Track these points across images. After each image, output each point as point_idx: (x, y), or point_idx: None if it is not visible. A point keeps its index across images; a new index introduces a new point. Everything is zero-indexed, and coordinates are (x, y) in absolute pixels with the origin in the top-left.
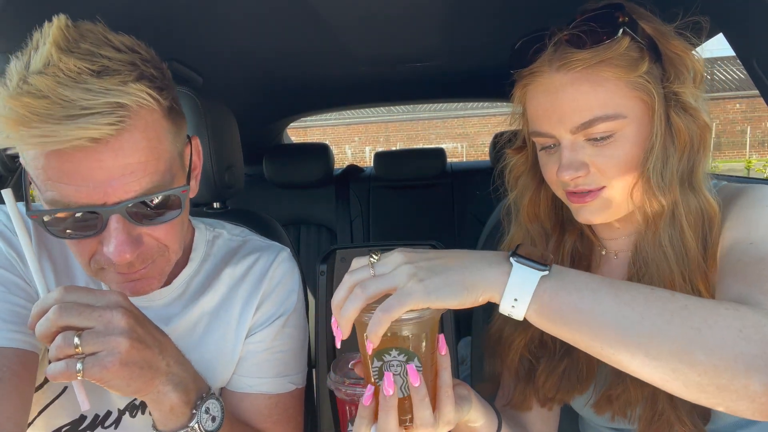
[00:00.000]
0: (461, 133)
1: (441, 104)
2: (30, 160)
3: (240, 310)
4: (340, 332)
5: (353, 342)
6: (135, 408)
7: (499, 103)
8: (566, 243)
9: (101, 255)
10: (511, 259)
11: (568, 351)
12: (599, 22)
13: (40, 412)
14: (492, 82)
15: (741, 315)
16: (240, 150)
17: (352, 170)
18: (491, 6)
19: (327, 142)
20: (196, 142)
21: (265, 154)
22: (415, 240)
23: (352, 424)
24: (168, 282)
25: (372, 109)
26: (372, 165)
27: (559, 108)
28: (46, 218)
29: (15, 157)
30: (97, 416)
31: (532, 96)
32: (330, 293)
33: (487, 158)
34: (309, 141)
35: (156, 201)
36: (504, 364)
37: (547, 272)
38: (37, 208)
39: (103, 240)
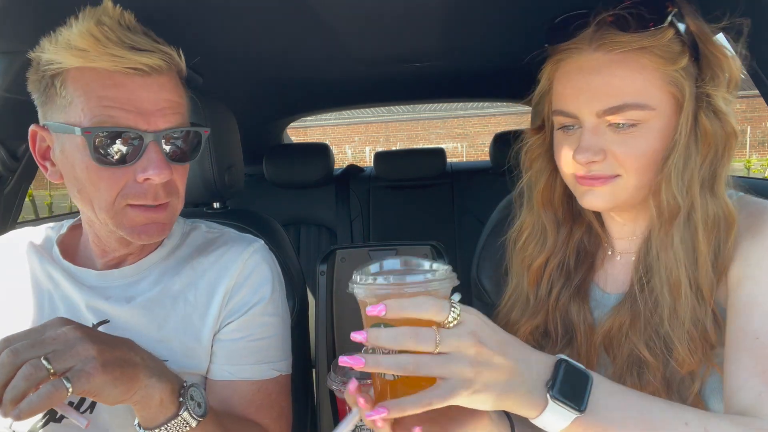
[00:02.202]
0: (461, 133)
1: (441, 104)
2: (84, 90)
3: (207, 294)
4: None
5: (353, 343)
6: None
7: (499, 103)
8: (574, 235)
9: (132, 187)
10: (548, 394)
11: (569, 342)
12: (648, 8)
13: None
14: (492, 82)
15: None
16: (240, 150)
17: (352, 170)
18: (491, 6)
19: (327, 142)
20: None
21: (265, 154)
22: (415, 240)
23: None
24: (133, 262)
25: (372, 109)
26: (372, 165)
27: (591, 88)
28: (96, 140)
29: (15, 157)
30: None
31: (563, 73)
32: (330, 293)
33: (487, 158)
34: (309, 141)
35: (188, 135)
36: None
37: (581, 415)
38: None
39: (138, 168)
